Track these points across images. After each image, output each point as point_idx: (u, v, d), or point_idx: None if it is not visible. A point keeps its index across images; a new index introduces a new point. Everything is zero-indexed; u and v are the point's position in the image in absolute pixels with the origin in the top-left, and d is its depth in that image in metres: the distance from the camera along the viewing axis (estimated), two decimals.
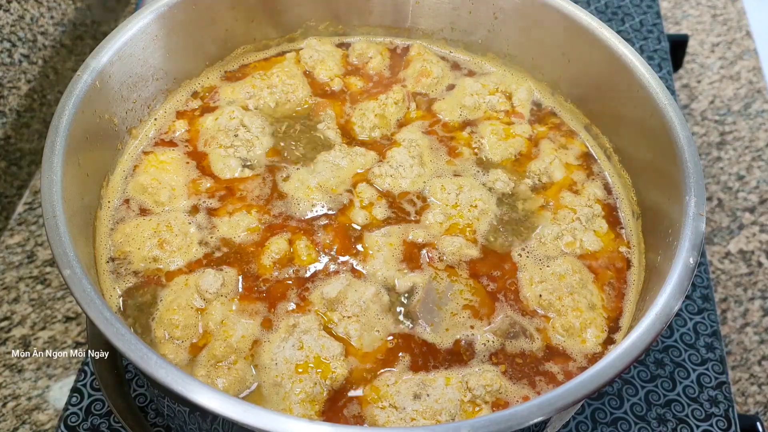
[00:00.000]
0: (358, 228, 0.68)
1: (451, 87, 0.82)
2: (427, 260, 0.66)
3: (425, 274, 0.65)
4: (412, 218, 0.69)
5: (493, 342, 0.61)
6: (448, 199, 0.70)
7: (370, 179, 0.72)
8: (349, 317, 0.61)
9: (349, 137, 0.76)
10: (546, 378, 0.60)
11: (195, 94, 0.78)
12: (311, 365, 0.58)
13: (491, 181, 0.72)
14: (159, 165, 0.71)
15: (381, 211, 0.69)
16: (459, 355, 0.61)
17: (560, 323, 0.63)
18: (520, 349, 0.62)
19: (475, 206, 0.70)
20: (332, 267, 0.65)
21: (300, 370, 0.58)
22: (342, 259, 0.66)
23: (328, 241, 0.67)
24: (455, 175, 0.73)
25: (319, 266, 0.65)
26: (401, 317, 0.62)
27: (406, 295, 0.63)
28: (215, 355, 0.59)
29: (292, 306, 0.62)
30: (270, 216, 0.68)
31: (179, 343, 0.60)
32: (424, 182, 0.72)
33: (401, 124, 0.78)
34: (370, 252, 0.66)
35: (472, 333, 0.62)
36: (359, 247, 0.66)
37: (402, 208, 0.70)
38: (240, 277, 0.64)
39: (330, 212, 0.69)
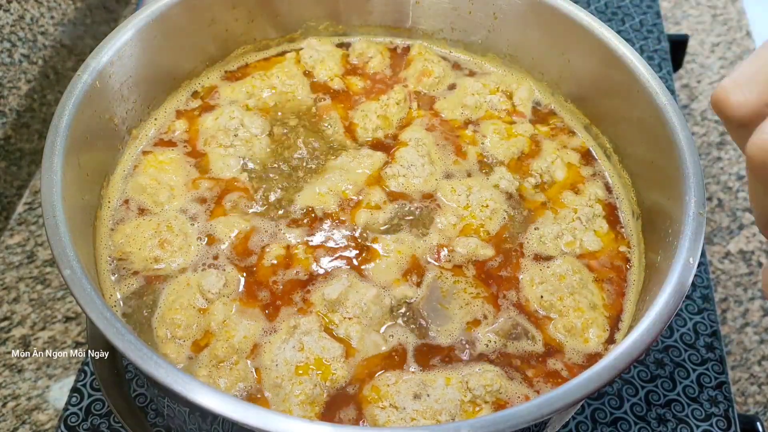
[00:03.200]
0: (367, 231, 0.68)
1: (452, 86, 0.82)
2: (435, 257, 0.66)
3: (430, 273, 0.65)
4: (424, 221, 0.69)
5: (496, 342, 0.61)
6: (459, 200, 0.70)
7: (383, 179, 0.72)
8: (350, 318, 0.61)
9: (352, 138, 0.76)
10: (547, 378, 0.60)
11: (195, 94, 0.79)
12: (312, 367, 0.58)
13: (496, 180, 0.72)
14: (158, 165, 0.71)
15: (391, 213, 0.69)
16: (461, 355, 0.61)
17: (562, 323, 0.63)
18: (522, 349, 0.62)
19: (486, 206, 0.70)
20: (335, 269, 0.65)
21: (300, 372, 0.58)
22: (345, 262, 0.66)
23: (331, 245, 0.66)
24: (468, 176, 0.73)
25: (321, 268, 0.65)
26: (402, 319, 0.62)
27: (409, 297, 0.63)
28: (217, 355, 0.59)
29: (293, 307, 0.62)
30: (269, 217, 0.68)
31: (181, 343, 0.60)
32: (436, 180, 0.72)
33: (403, 124, 0.77)
34: (376, 256, 0.66)
35: (475, 332, 0.62)
36: (365, 251, 0.66)
37: (413, 211, 0.70)
38: (241, 278, 0.64)
39: (336, 214, 0.69)
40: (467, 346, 0.61)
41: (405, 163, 0.72)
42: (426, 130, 0.77)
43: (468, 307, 0.63)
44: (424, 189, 0.71)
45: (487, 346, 0.61)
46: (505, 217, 0.70)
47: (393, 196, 0.70)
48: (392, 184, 0.71)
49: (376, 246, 0.66)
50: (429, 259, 0.66)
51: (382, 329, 0.62)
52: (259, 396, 0.58)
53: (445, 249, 0.67)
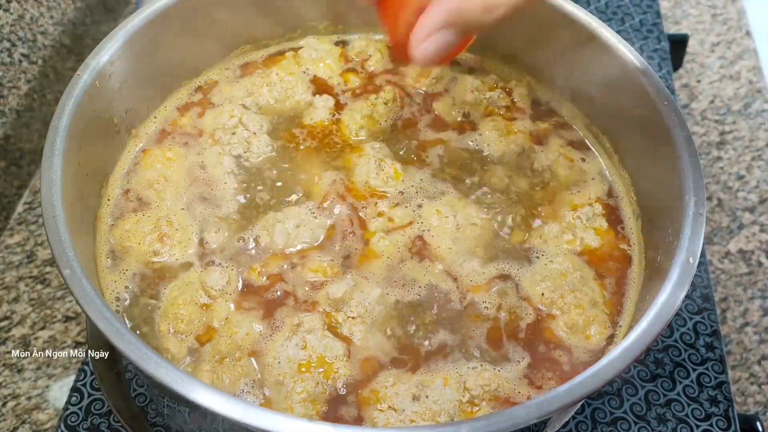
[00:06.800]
0: (363, 227, 0.68)
1: (451, 84, 0.81)
2: (427, 260, 0.66)
3: (426, 270, 0.65)
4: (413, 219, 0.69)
5: (489, 304, 0.62)
6: (447, 222, 0.68)
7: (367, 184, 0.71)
8: (353, 318, 0.61)
9: (343, 137, 0.76)
10: (548, 375, 0.60)
11: (197, 90, 0.79)
12: (314, 365, 0.58)
13: (496, 178, 0.72)
14: (158, 162, 0.71)
15: (391, 216, 0.69)
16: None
17: (563, 321, 0.63)
18: (514, 310, 0.62)
19: (476, 224, 0.69)
20: (336, 268, 0.65)
21: (303, 370, 0.58)
22: (345, 260, 0.66)
23: (330, 243, 0.66)
24: (468, 172, 0.72)
25: (322, 269, 0.65)
26: (404, 318, 0.62)
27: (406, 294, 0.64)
28: (220, 351, 0.59)
29: (295, 305, 0.62)
30: (267, 215, 0.68)
31: (183, 338, 0.60)
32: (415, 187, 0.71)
33: (395, 124, 0.77)
34: (374, 255, 0.66)
35: (474, 298, 0.63)
36: (362, 248, 0.66)
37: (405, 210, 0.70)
38: (243, 276, 0.64)
39: (339, 214, 0.69)
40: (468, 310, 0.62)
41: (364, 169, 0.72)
42: (422, 130, 0.77)
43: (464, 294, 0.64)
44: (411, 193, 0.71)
45: (483, 305, 0.62)
46: (495, 224, 0.69)
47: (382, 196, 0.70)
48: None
49: (370, 244, 0.66)
50: (422, 258, 0.66)
51: (386, 329, 0.62)
52: (261, 393, 0.58)
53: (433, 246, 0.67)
